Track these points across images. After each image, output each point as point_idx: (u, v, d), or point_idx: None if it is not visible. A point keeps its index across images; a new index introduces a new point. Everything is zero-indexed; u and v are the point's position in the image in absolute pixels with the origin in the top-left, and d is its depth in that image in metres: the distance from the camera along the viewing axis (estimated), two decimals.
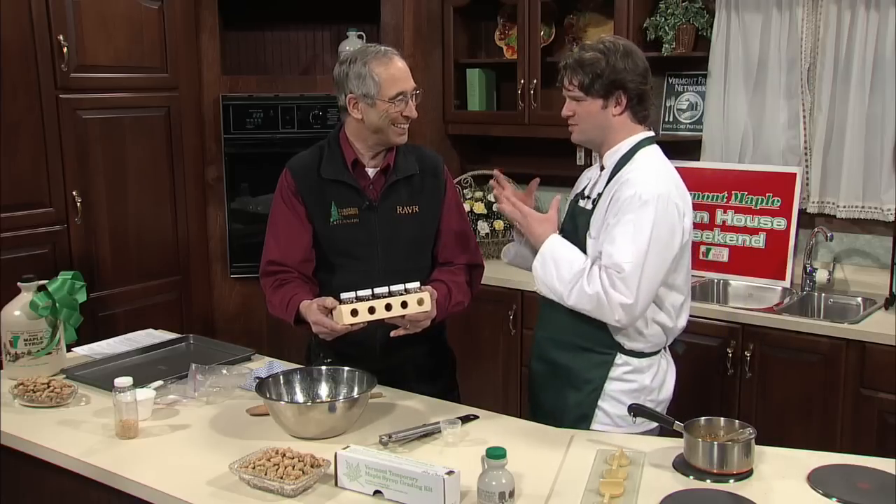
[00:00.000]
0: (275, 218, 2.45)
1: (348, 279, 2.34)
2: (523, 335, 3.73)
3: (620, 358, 2.23)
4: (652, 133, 2.28)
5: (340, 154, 2.40)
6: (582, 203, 2.30)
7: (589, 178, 2.36)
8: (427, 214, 2.46)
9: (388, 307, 2.12)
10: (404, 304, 2.13)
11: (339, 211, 2.39)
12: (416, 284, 2.18)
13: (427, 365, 2.51)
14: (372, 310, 2.10)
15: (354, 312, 2.11)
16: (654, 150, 2.25)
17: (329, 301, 2.17)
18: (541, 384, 2.37)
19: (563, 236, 2.23)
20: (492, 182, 2.36)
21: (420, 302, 2.14)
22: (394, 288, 2.15)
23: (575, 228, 2.27)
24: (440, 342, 2.57)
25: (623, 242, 2.09)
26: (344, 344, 2.30)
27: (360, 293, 2.13)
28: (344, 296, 2.13)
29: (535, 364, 2.39)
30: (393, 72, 2.32)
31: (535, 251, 2.25)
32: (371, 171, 2.42)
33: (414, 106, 2.36)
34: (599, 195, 2.23)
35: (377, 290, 2.14)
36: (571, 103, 2.23)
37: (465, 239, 2.53)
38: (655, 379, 2.27)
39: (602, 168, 2.28)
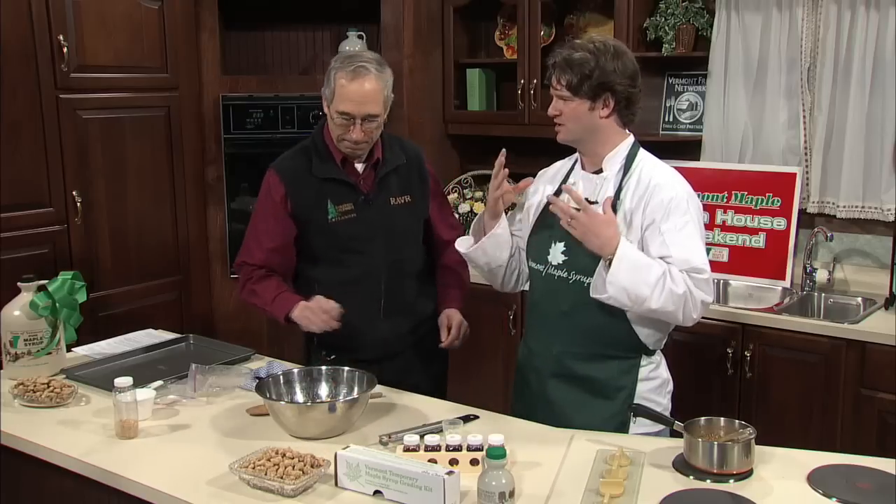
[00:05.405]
0: (258, 219, 2.50)
1: (351, 274, 2.43)
2: (523, 335, 3.72)
3: (645, 359, 2.24)
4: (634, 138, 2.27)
5: (328, 153, 2.44)
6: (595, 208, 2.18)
7: (575, 182, 2.29)
8: (419, 205, 2.54)
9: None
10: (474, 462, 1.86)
11: (336, 207, 2.42)
12: (501, 437, 1.80)
13: (425, 346, 2.57)
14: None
15: None
16: (649, 154, 2.26)
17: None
18: (567, 402, 2.26)
19: (565, 236, 2.17)
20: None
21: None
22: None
23: None
24: (434, 326, 2.60)
25: (693, 246, 2.12)
26: (341, 338, 2.38)
27: None
28: None
29: (553, 383, 2.27)
30: (350, 89, 2.29)
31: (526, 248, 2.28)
32: (360, 167, 2.46)
33: (361, 131, 2.32)
34: (616, 200, 2.18)
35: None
36: (558, 102, 2.20)
37: (455, 226, 2.68)
38: (666, 369, 2.30)
39: (599, 171, 2.24)
